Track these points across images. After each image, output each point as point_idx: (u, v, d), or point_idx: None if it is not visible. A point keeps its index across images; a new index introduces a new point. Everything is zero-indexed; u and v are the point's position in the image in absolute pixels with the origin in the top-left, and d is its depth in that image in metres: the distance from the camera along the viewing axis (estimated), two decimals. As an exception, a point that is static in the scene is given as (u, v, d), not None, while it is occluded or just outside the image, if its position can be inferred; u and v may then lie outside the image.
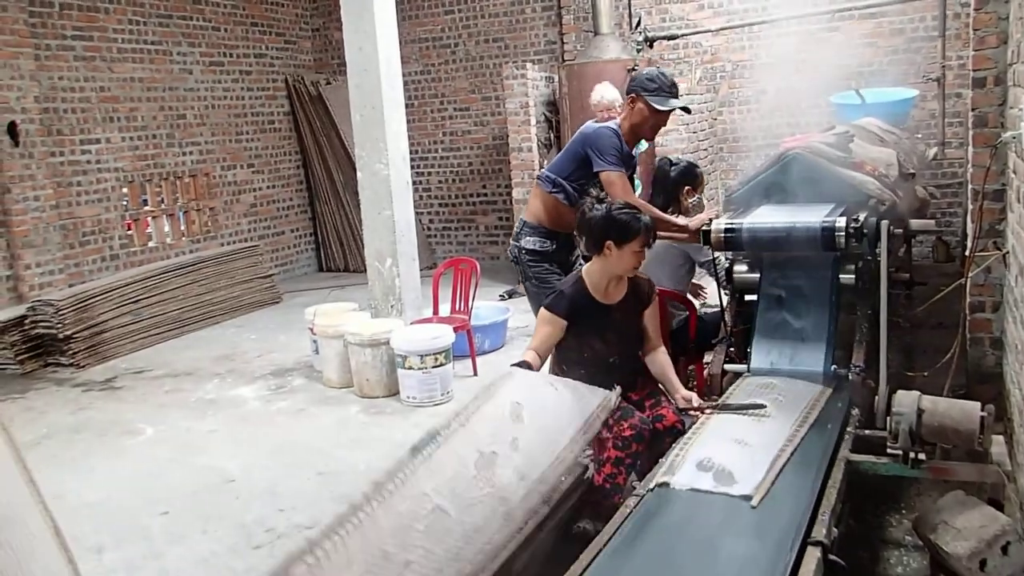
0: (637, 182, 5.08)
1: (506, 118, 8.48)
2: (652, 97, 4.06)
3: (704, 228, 3.85)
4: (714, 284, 4.63)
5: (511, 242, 4.45)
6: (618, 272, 3.53)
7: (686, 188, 4.73)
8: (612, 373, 3.54)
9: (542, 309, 3.57)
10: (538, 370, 3.46)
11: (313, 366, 6.22)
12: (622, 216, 3.43)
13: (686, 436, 3.14)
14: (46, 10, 7.60)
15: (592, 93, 6.40)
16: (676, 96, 4.16)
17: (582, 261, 4.60)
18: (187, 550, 3.70)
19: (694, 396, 3.49)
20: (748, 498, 2.69)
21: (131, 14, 8.42)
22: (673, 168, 4.80)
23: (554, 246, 4.29)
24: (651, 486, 2.85)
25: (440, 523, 2.30)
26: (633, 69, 7.71)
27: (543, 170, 4.44)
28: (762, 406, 3.26)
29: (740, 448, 2.98)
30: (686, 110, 4.40)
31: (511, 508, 2.53)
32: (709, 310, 4.74)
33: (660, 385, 3.67)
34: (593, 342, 3.55)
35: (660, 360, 3.66)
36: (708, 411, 3.36)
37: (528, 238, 4.30)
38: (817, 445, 3.07)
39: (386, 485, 2.37)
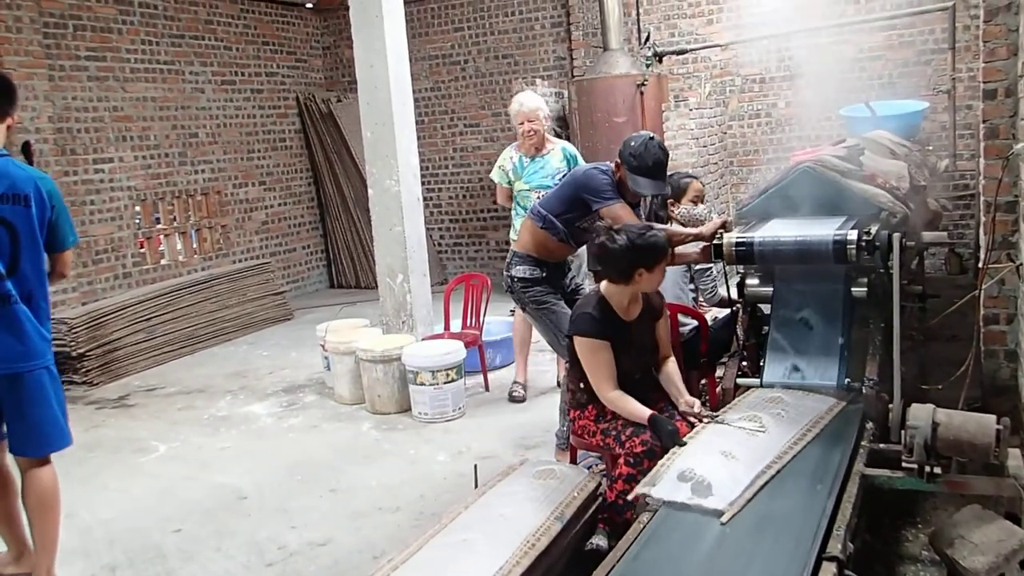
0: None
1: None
2: (629, 174, 3.97)
3: (716, 242, 3.84)
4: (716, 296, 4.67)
5: (504, 272, 4.45)
6: (645, 291, 3.54)
7: (668, 200, 4.69)
8: (635, 389, 3.53)
9: (584, 339, 3.45)
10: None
11: (325, 382, 6.23)
12: (647, 241, 3.40)
13: (675, 448, 3.13)
14: (60, 31, 7.67)
15: (512, 104, 5.64)
16: (657, 177, 3.98)
17: (578, 283, 4.61)
18: (200, 568, 3.70)
19: (697, 403, 3.50)
20: (720, 513, 2.68)
21: (144, 34, 8.50)
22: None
23: (544, 273, 4.29)
24: (631, 496, 2.88)
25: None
26: (643, 84, 7.74)
27: (536, 203, 4.44)
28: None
29: (726, 461, 2.96)
30: (660, 194, 4.27)
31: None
32: (719, 316, 4.73)
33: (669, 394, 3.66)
34: (622, 360, 3.50)
35: (669, 369, 3.65)
36: (706, 420, 3.36)
37: (519, 267, 4.29)
38: (831, 459, 3.05)
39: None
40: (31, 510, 3.42)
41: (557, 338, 4.26)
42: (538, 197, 5.33)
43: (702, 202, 4.73)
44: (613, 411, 3.49)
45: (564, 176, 4.78)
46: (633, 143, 3.98)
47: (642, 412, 3.33)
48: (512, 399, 5.57)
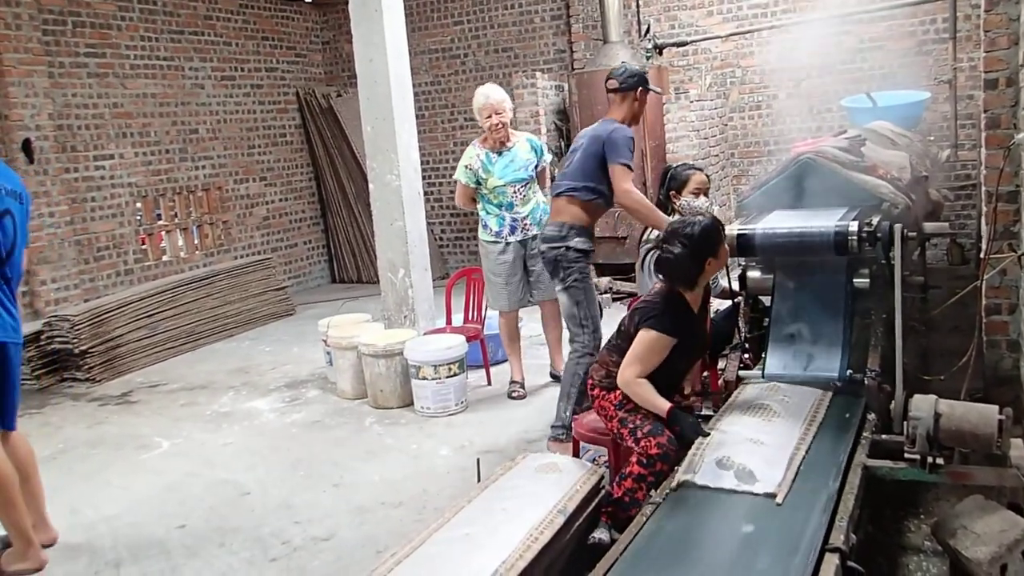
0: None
1: (516, 127, 8.49)
2: (649, 86, 4.56)
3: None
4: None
5: (552, 245, 4.46)
6: (716, 273, 3.58)
7: (671, 192, 4.65)
8: (675, 380, 3.54)
9: (657, 333, 3.32)
10: None
11: (327, 378, 6.24)
12: (701, 232, 3.32)
13: (700, 438, 3.14)
14: (59, 28, 7.67)
15: (476, 97, 5.39)
16: None
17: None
18: (204, 564, 3.70)
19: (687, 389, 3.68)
20: (772, 496, 2.72)
21: (143, 31, 8.49)
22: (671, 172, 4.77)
23: (592, 247, 4.55)
24: (673, 484, 2.88)
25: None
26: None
27: (565, 181, 4.51)
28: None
29: (755, 447, 3.01)
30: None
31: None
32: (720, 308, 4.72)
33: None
34: (683, 360, 3.46)
35: None
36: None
37: (577, 239, 4.43)
38: (833, 450, 3.06)
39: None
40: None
41: (578, 315, 4.44)
42: (514, 191, 5.37)
43: (705, 195, 4.67)
44: (635, 403, 3.38)
45: (580, 153, 4.61)
46: (636, 69, 4.56)
47: (662, 404, 3.27)
48: (513, 397, 5.55)
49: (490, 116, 5.28)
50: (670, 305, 3.38)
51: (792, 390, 3.49)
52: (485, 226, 5.51)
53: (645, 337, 3.34)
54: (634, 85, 4.46)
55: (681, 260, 3.32)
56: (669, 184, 4.68)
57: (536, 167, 5.47)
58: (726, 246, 3.44)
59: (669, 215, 4.56)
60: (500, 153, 5.40)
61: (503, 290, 5.48)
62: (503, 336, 5.70)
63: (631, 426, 3.36)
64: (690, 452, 3.05)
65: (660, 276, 3.44)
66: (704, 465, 2.92)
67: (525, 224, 5.43)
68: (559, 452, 4.06)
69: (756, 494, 2.76)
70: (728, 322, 4.38)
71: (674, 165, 4.88)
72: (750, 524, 2.62)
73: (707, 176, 4.82)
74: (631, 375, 3.34)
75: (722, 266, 3.50)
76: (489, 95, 5.31)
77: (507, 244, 5.44)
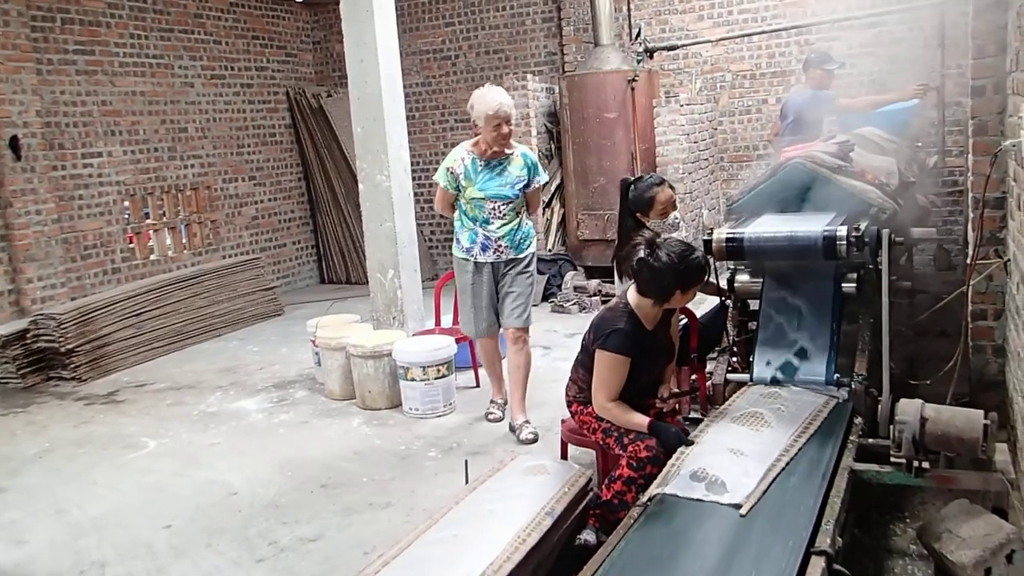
0: None
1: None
2: (822, 66, 6.54)
3: (705, 238, 3.86)
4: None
5: None
6: (675, 307, 3.47)
7: (637, 214, 4.29)
8: (644, 394, 3.52)
9: (610, 354, 3.34)
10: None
11: (315, 378, 6.22)
12: (690, 265, 3.27)
13: (682, 448, 3.13)
14: (48, 25, 7.63)
15: (485, 102, 4.67)
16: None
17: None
18: (191, 564, 3.69)
19: (665, 390, 3.56)
20: (737, 507, 2.70)
21: (132, 28, 8.46)
22: (631, 189, 4.34)
23: None
24: (646, 498, 2.86)
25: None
26: (634, 80, 7.76)
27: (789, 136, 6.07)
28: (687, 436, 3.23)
29: (735, 458, 2.98)
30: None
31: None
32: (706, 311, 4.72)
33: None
34: (640, 372, 3.43)
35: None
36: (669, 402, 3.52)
37: None
38: (820, 454, 3.07)
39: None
40: None
41: None
42: (493, 208, 4.79)
43: (674, 208, 4.36)
44: None
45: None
46: (815, 55, 6.76)
47: (640, 420, 3.30)
48: (489, 420, 5.18)
49: (499, 126, 4.67)
50: (620, 323, 3.37)
51: (793, 398, 3.47)
52: (457, 240, 4.98)
53: (600, 359, 3.38)
54: (814, 64, 6.57)
55: (660, 272, 3.26)
56: (632, 207, 4.31)
57: (526, 186, 4.87)
58: (696, 292, 3.41)
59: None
60: (489, 163, 4.81)
61: (469, 312, 5.00)
62: (483, 356, 5.27)
63: (616, 434, 3.39)
64: (668, 463, 3.04)
65: (633, 274, 3.40)
66: (678, 478, 2.90)
67: (499, 245, 4.83)
68: None
69: (722, 504, 2.73)
70: (715, 325, 4.39)
71: (632, 179, 4.42)
72: (736, 529, 2.62)
73: (672, 187, 4.38)
74: (602, 400, 3.40)
75: (681, 304, 3.47)
76: (502, 102, 4.66)
77: (476, 264, 4.89)
